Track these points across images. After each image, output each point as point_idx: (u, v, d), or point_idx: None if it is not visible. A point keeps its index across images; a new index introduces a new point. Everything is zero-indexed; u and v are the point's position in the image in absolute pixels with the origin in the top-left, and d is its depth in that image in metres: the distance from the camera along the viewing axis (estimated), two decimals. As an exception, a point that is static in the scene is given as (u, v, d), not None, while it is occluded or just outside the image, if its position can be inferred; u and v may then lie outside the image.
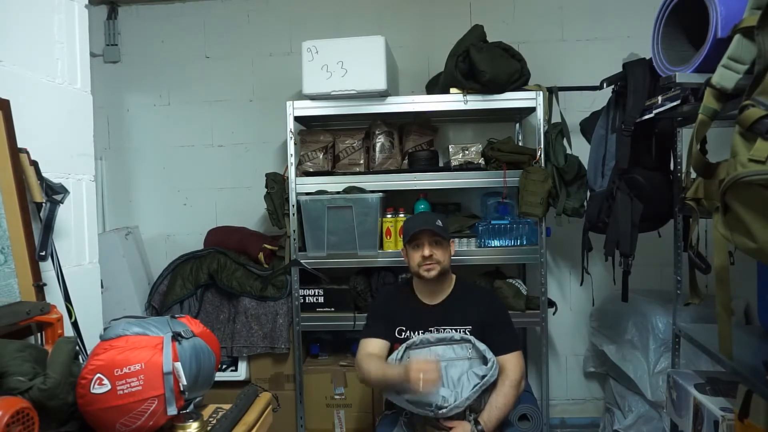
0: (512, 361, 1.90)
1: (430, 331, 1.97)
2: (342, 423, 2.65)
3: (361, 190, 2.55)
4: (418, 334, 1.97)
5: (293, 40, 3.06)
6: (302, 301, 2.64)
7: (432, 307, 2.02)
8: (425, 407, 1.77)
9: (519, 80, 2.49)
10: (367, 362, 1.90)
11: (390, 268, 2.66)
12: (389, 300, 2.12)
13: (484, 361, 1.86)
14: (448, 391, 1.78)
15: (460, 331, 1.95)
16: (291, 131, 2.60)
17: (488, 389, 1.84)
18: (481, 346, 1.88)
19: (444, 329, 1.96)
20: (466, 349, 1.91)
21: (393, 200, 2.74)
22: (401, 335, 1.99)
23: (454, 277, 2.08)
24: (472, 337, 1.91)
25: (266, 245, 2.75)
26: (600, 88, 2.19)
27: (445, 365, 1.84)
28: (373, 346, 1.96)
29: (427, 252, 1.93)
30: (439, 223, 1.98)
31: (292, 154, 2.61)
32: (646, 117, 1.89)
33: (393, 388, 1.83)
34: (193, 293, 2.72)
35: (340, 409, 2.65)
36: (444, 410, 1.74)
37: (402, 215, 2.60)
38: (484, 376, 1.79)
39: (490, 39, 2.52)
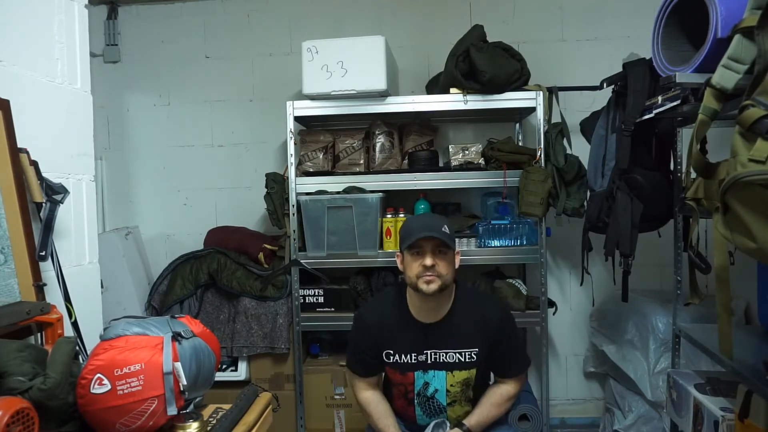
0: (515, 381, 1.84)
1: (425, 354, 1.75)
2: (342, 423, 2.65)
3: (361, 190, 2.55)
4: (410, 357, 1.77)
5: (293, 40, 3.06)
6: (302, 301, 2.64)
7: (429, 326, 1.75)
8: None
9: (519, 80, 2.49)
10: (372, 409, 1.82)
11: (390, 268, 2.65)
12: (375, 318, 1.82)
13: None
14: None
15: (465, 355, 1.75)
16: (291, 131, 2.60)
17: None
18: None
19: (445, 353, 1.75)
20: None
21: (393, 200, 2.73)
22: (389, 359, 1.78)
23: (455, 286, 1.79)
24: None
25: (266, 245, 2.75)
26: (600, 88, 2.19)
27: None
28: (365, 386, 1.85)
29: (429, 261, 1.65)
30: (446, 229, 1.68)
31: (292, 154, 2.60)
32: (646, 117, 1.89)
33: None
34: (193, 293, 2.72)
35: (340, 409, 2.65)
36: None
37: (402, 215, 2.60)
38: None
39: (490, 39, 2.52)
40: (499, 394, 1.82)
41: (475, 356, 1.75)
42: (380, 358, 1.80)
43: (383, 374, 1.93)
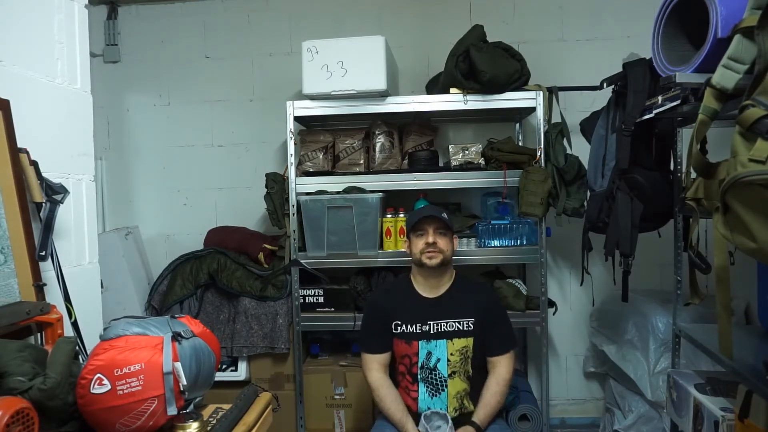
0: (505, 362, 1.99)
1: (429, 324, 1.97)
2: (342, 423, 2.65)
3: (361, 190, 2.55)
4: (415, 327, 1.97)
5: (293, 40, 3.06)
6: (302, 301, 2.64)
7: (431, 300, 2.02)
8: None
9: (519, 80, 2.49)
10: (383, 393, 1.96)
11: (390, 268, 2.66)
12: (384, 296, 2.13)
13: None
14: None
15: (463, 324, 1.96)
16: (291, 131, 2.60)
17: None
18: None
19: (445, 323, 1.97)
20: None
21: (393, 200, 2.73)
22: (397, 330, 1.99)
23: (454, 271, 2.09)
24: None
25: (266, 245, 2.75)
26: (600, 88, 2.19)
27: None
28: (377, 366, 2.00)
29: (431, 239, 1.96)
30: (445, 215, 2.01)
31: (292, 154, 2.61)
32: (646, 117, 1.89)
33: (395, 426, 1.92)
34: (193, 293, 2.72)
35: (340, 409, 2.65)
36: None
37: (402, 215, 2.60)
38: None
39: (490, 39, 2.52)
40: (495, 381, 1.97)
41: (471, 325, 1.98)
42: (390, 331, 2.00)
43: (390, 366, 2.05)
